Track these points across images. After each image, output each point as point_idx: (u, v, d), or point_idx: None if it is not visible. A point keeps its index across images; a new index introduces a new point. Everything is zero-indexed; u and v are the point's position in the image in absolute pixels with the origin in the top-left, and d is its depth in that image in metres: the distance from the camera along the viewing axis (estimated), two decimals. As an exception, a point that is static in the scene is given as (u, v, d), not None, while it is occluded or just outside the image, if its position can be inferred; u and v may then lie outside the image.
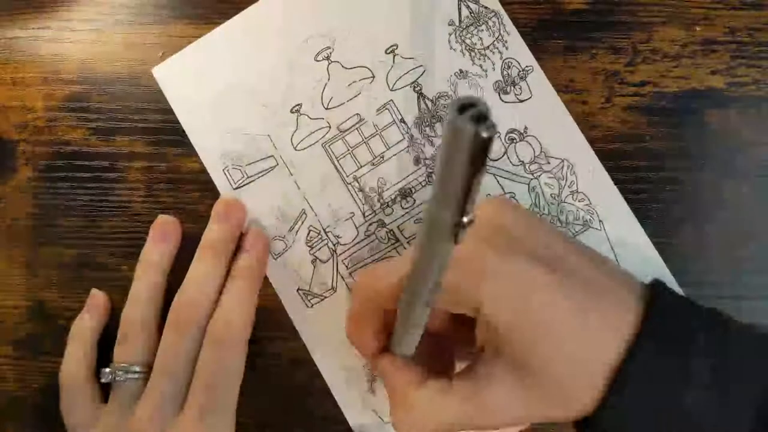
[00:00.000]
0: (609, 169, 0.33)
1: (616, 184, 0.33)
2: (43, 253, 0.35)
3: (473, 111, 0.14)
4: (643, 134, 0.33)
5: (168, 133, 0.34)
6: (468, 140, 0.14)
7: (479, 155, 0.15)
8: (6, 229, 0.35)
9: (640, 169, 0.33)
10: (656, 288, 0.26)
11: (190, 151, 0.34)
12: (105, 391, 0.33)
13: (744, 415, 0.24)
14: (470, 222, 0.17)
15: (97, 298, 0.34)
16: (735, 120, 0.33)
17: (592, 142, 0.33)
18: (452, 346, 0.30)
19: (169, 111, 0.34)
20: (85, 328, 0.33)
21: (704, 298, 0.26)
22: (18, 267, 0.35)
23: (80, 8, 0.35)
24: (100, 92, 0.35)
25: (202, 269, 0.32)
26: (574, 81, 0.33)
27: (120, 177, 0.34)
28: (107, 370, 0.32)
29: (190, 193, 0.34)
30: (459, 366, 0.31)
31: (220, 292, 0.32)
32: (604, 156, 0.33)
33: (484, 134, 0.14)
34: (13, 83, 0.35)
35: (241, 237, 0.33)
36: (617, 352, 0.24)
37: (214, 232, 0.33)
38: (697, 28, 0.33)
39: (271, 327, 0.34)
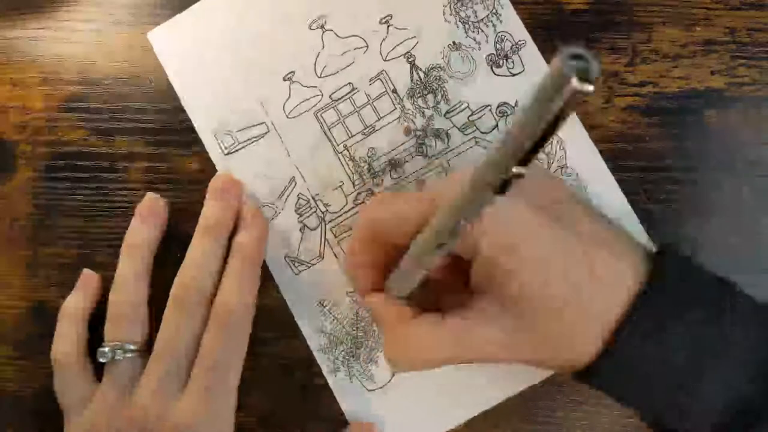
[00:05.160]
0: (609, 170, 0.33)
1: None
2: (43, 253, 0.35)
3: (580, 63, 0.14)
4: (643, 134, 0.33)
5: (168, 134, 0.34)
6: (569, 91, 0.14)
7: (570, 107, 0.15)
8: (6, 229, 0.35)
9: (640, 169, 0.33)
10: (664, 248, 0.26)
11: (190, 152, 0.34)
12: (98, 373, 0.32)
13: (737, 379, 0.24)
14: (521, 175, 0.17)
15: (89, 278, 0.33)
16: (735, 120, 0.33)
17: (592, 142, 0.33)
18: (440, 289, 0.30)
19: (169, 111, 0.34)
20: (77, 307, 0.33)
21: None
22: (18, 267, 0.35)
23: (80, 8, 0.35)
24: (100, 92, 0.35)
25: (204, 248, 0.32)
26: (574, 81, 0.33)
27: (120, 177, 0.34)
28: (105, 349, 0.31)
29: (190, 193, 0.34)
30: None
31: (222, 270, 0.32)
32: (604, 156, 0.33)
33: (589, 88, 0.14)
34: (13, 84, 0.35)
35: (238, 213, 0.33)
36: (617, 309, 0.25)
37: (213, 210, 0.32)
38: (697, 28, 0.33)
39: (271, 327, 0.34)
